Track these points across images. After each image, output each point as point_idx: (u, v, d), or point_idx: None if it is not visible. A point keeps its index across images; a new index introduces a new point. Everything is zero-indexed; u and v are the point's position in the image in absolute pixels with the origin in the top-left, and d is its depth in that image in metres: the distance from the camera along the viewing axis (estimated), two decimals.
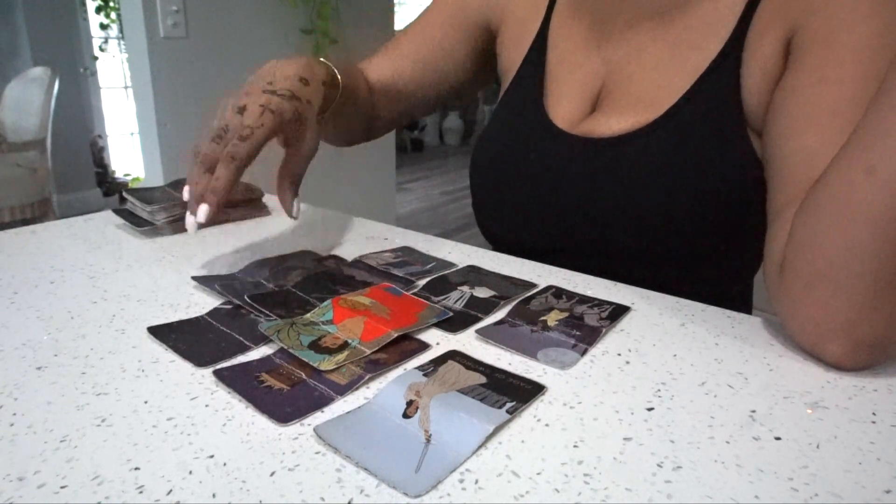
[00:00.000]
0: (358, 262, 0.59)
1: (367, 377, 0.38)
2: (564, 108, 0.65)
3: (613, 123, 0.60)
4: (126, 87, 4.12)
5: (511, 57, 0.73)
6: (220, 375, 0.38)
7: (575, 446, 0.32)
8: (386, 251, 0.63)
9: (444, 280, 0.55)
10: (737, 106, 0.55)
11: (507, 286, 0.54)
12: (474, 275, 0.56)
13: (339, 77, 0.62)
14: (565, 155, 0.62)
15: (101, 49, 3.93)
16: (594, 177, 0.60)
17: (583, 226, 0.61)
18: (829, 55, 0.49)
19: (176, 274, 0.56)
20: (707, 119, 0.56)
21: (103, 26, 3.89)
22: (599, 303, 0.50)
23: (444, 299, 0.51)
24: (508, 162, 0.67)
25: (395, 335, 0.43)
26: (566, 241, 0.63)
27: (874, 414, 0.35)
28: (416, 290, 0.53)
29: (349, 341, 0.42)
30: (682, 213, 0.56)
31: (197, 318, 0.47)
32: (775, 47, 0.53)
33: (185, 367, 0.40)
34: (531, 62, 0.69)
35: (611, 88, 0.62)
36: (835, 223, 0.40)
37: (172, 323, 0.46)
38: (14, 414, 0.35)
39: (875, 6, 0.47)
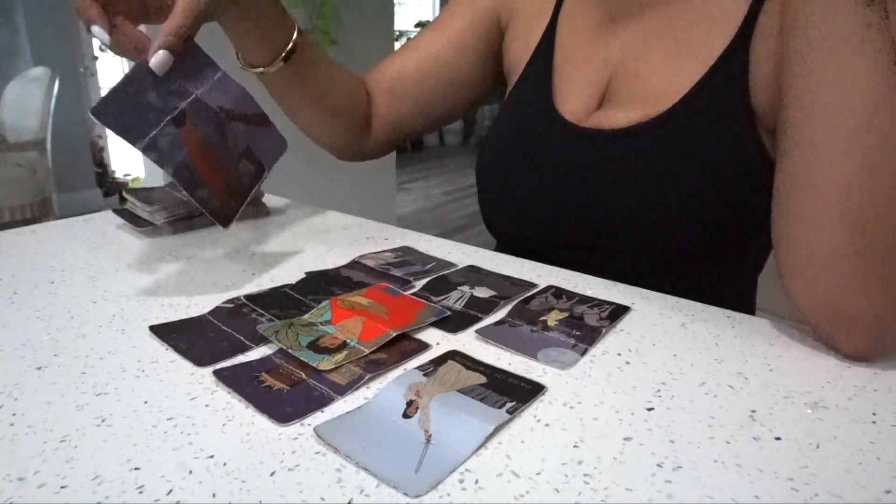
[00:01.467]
0: (355, 263, 0.59)
1: (367, 377, 0.38)
2: (572, 103, 0.65)
3: (622, 116, 0.60)
4: None
5: (518, 54, 0.73)
6: (220, 375, 0.38)
7: (575, 446, 0.32)
8: (386, 251, 0.63)
9: (444, 280, 0.55)
10: (745, 101, 0.55)
11: (507, 286, 0.54)
12: (474, 275, 0.56)
13: (296, 27, 0.65)
14: (574, 147, 0.62)
15: (101, 49, 3.93)
16: (603, 169, 0.60)
17: (590, 218, 0.61)
18: (830, 56, 0.49)
19: (176, 274, 0.56)
20: (715, 114, 0.56)
21: None
22: (599, 303, 0.50)
23: (443, 299, 0.51)
24: (517, 155, 0.67)
25: (394, 334, 0.43)
26: (573, 234, 0.63)
27: (874, 414, 0.36)
28: (415, 291, 0.53)
29: (348, 341, 0.42)
30: (689, 204, 0.56)
31: (199, 316, 0.47)
32: (779, 42, 0.53)
33: (185, 367, 0.40)
34: (539, 59, 0.70)
35: (618, 84, 0.62)
36: (813, 224, 0.43)
37: (174, 322, 0.46)
38: (14, 414, 0.35)
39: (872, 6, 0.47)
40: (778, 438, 0.33)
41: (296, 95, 0.70)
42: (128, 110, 0.45)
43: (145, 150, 0.45)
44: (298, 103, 0.71)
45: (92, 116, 0.43)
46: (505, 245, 0.72)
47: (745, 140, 0.55)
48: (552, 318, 0.47)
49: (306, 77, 0.68)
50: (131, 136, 0.44)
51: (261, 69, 0.64)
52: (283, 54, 0.63)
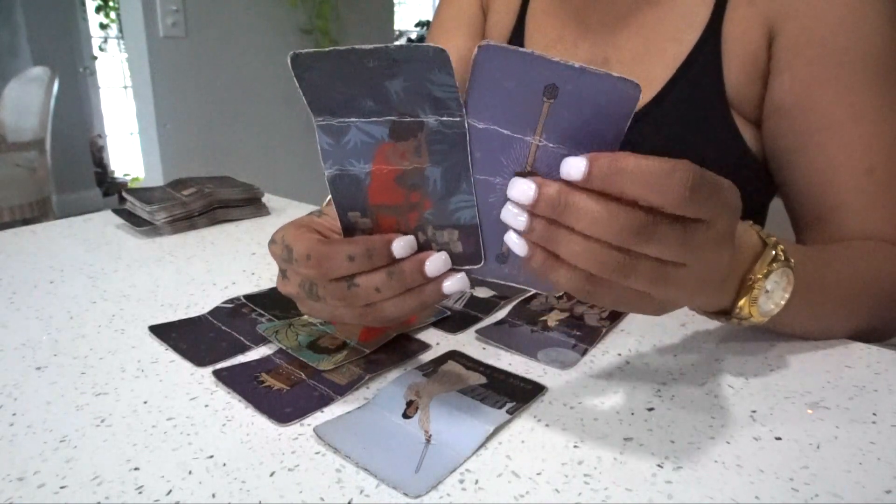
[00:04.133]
0: None
1: (367, 377, 0.38)
2: None
3: None
4: (126, 87, 4.12)
5: None
6: (219, 376, 0.38)
7: (575, 446, 0.32)
8: None
9: None
10: (720, 92, 0.55)
11: (507, 286, 0.53)
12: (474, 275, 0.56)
13: None
14: None
15: (101, 49, 3.93)
16: None
17: None
18: (826, 60, 0.49)
19: (176, 274, 0.56)
20: (689, 107, 0.56)
21: (103, 26, 3.89)
22: None
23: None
24: None
25: (394, 334, 0.43)
26: None
27: (874, 414, 0.35)
28: None
29: (348, 341, 0.42)
30: None
31: (198, 316, 0.47)
32: (756, 37, 0.53)
33: (185, 367, 0.40)
34: None
35: None
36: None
37: (173, 322, 0.46)
38: (14, 414, 0.34)
39: (855, 8, 0.48)
40: (778, 439, 0.33)
41: None
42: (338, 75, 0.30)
43: (325, 131, 0.32)
44: None
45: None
46: None
47: (721, 131, 0.55)
48: (552, 319, 0.47)
49: None
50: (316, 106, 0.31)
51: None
52: None
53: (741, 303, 0.36)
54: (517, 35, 0.69)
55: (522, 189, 0.29)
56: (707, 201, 0.28)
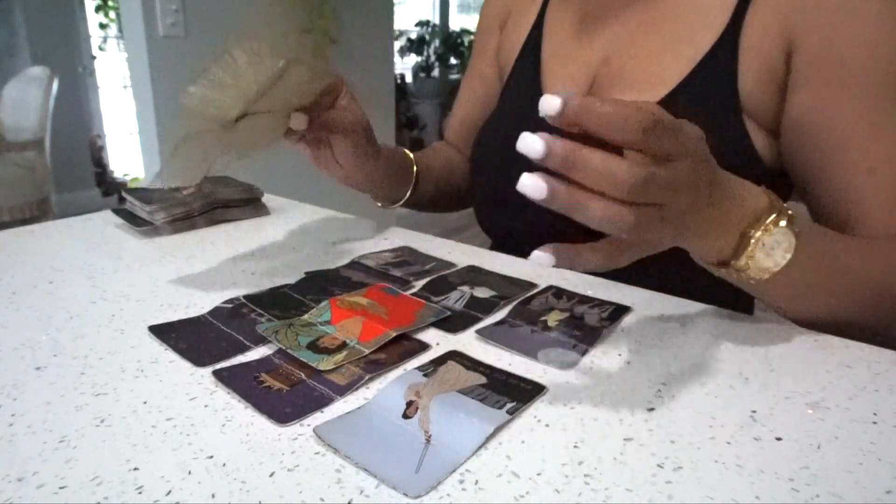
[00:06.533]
0: (354, 264, 0.59)
1: (366, 377, 0.38)
2: None
3: None
4: (125, 87, 4.12)
5: (510, 52, 0.75)
6: (219, 376, 0.38)
7: (575, 446, 0.32)
8: (386, 251, 0.63)
9: (444, 280, 0.55)
10: (733, 97, 0.55)
11: (507, 286, 0.54)
12: (474, 275, 0.56)
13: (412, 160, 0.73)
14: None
15: (100, 48, 3.93)
16: None
17: None
18: (846, 78, 0.49)
19: (175, 274, 0.56)
20: (701, 108, 0.56)
21: (102, 25, 3.89)
22: (600, 303, 0.50)
23: (443, 299, 0.51)
24: (508, 151, 0.67)
25: (394, 335, 0.43)
26: (566, 229, 0.63)
27: (875, 414, 0.35)
28: (415, 291, 0.53)
29: (347, 341, 0.42)
30: None
31: (198, 317, 0.47)
32: (775, 49, 0.53)
33: (185, 367, 0.40)
34: (528, 55, 0.71)
35: (604, 80, 0.63)
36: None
37: (173, 322, 0.46)
38: (13, 414, 0.34)
39: (872, 18, 0.48)
40: (779, 439, 0.33)
41: (429, 203, 0.80)
42: None
43: None
44: (435, 205, 0.82)
45: None
46: (499, 243, 0.73)
47: (731, 135, 0.55)
48: (552, 319, 0.47)
49: (427, 187, 0.76)
50: None
51: (400, 203, 0.73)
52: (411, 186, 0.73)
53: (740, 254, 0.39)
54: (534, 39, 0.70)
55: (531, 144, 0.31)
56: (664, 141, 0.32)
